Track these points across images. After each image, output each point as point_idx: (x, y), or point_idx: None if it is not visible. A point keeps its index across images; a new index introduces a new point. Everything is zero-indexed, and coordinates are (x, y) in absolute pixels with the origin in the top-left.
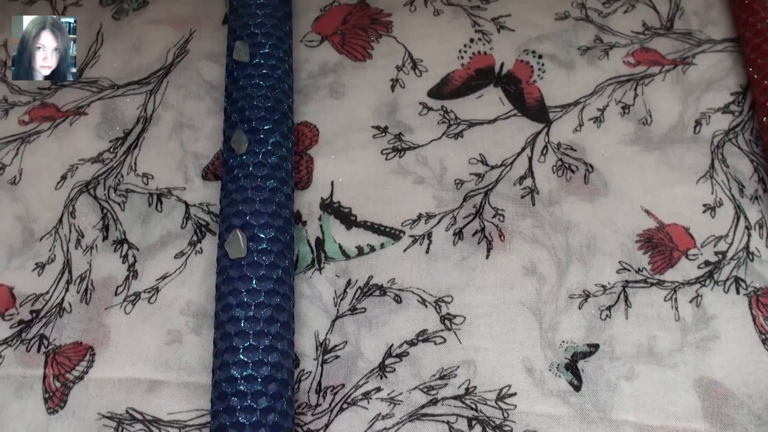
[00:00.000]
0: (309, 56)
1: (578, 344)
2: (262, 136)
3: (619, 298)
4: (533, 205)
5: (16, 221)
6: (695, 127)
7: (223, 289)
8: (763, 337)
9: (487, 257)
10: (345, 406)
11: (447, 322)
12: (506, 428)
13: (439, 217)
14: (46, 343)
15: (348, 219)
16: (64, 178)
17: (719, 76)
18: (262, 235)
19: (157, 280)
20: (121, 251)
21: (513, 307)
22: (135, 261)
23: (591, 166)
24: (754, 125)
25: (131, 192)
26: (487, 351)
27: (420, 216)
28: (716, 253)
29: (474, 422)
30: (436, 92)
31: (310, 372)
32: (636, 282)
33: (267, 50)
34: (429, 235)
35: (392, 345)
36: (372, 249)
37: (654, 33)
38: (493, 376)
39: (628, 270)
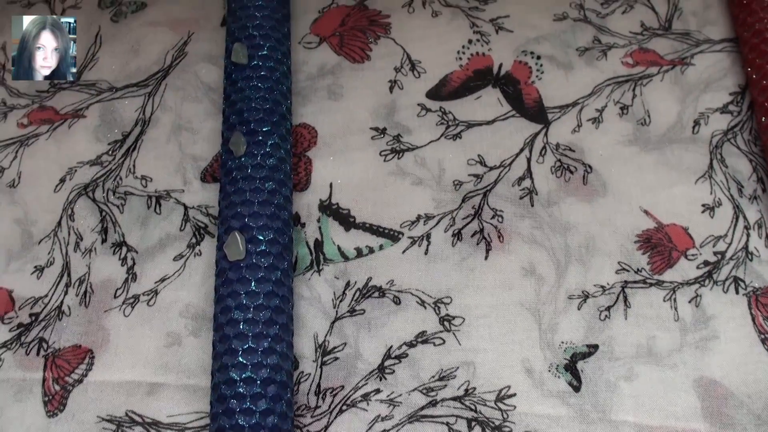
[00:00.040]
0: (307, 58)
1: (577, 345)
2: (260, 138)
3: (618, 298)
4: (532, 205)
5: (15, 224)
6: (694, 128)
7: (221, 292)
8: (763, 336)
9: (486, 258)
10: (344, 407)
11: (446, 323)
12: (506, 429)
13: (438, 219)
14: (45, 346)
15: (347, 220)
16: (62, 180)
17: (718, 76)
18: (261, 237)
19: (156, 282)
20: (120, 254)
21: (512, 308)
22: (134, 263)
23: (590, 167)
24: (752, 125)
25: (130, 194)
26: (487, 352)
27: (419, 217)
28: (715, 253)
29: (473, 423)
30: (434, 93)
31: (310, 374)
32: (635, 282)
33: (265, 52)
34: (428, 236)
35: (391, 346)
36: (371, 250)
37: (652, 33)
38: (492, 377)
39: (627, 270)
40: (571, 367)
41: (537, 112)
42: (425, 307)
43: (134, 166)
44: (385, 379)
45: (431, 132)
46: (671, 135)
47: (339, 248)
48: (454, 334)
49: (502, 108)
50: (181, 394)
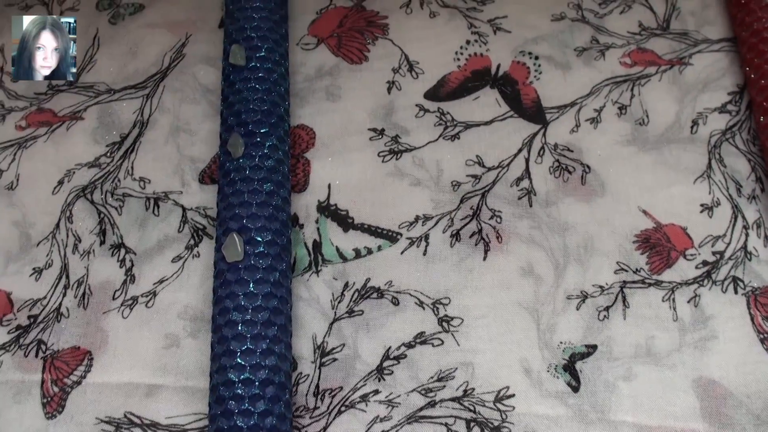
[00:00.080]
0: (305, 59)
1: (576, 345)
2: (258, 139)
3: (616, 298)
4: (530, 206)
5: (13, 226)
6: (692, 127)
7: (220, 293)
8: (762, 336)
9: (485, 259)
10: (343, 408)
11: (444, 324)
12: (504, 430)
13: (436, 219)
14: (44, 348)
15: (345, 221)
16: (61, 183)
17: (716, 76)
18: (259, 239)
19: (154, 284)
20: (119, 255)
21: (510, 309)
22: (132, 265)
23: (588, 167)
24: (751, 125)
25: (128, 196)
26: (485, 352)
27: (417, 218)
28: (714, 253)
29: (472, 424)
30: (432, 94)
31: (308, 375)
32: (634, 282)
33: (263, 53)
34: (426, 237)
35: (390, 347)
36: (369, 251)
37: (650, 33)
38: (491, 378)
39: (626, 270)
40: (570, 368)
41: (535, 113)
42: (424, 308)
43: (132, 167)
44: (384, 379)
45: (429, 133)
46: (670, 135)
47: (337, 249)
48: (452, 334)
49: (501, 108)
50: (180, 395)
